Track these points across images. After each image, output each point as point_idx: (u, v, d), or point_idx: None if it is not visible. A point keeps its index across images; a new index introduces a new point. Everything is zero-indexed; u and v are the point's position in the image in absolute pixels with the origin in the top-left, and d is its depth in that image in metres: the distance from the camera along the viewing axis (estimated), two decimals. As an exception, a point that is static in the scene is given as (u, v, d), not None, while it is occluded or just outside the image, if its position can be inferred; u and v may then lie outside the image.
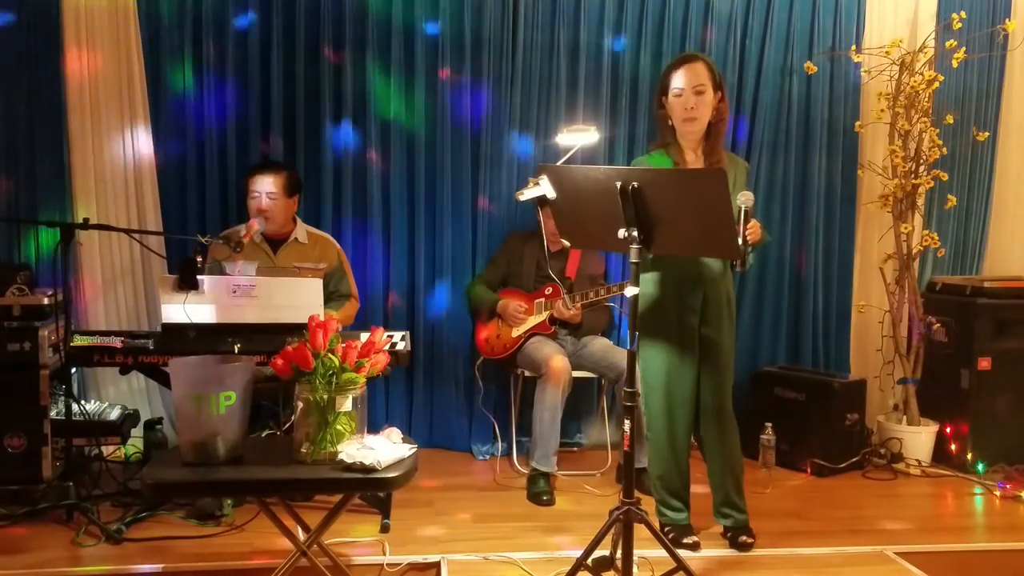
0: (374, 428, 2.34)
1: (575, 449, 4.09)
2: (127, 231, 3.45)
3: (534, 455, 3.44)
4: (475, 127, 3.98)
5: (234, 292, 2.91)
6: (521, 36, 3.95)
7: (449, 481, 3.58)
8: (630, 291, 2.38)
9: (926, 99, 3.92)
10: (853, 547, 2.92)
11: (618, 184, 2.29)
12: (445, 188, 3.96)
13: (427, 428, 4.03)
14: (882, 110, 4.01)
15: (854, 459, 3.81)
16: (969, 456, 3.86)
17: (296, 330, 2.60)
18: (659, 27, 4.06)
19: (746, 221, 2.57)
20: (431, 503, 3.29)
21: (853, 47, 4.12)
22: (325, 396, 2.16)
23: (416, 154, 3.96)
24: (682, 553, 2.63)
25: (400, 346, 3.03)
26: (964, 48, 3.93)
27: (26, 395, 3.01)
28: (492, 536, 2.96)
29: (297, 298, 2.91)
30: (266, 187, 3.39)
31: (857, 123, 4.14)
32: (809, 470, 3.76)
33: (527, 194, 3.26)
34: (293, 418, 2.25)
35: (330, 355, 2.17)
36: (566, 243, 3.48)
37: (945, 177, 3.96)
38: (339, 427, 2.19)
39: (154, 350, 2.92)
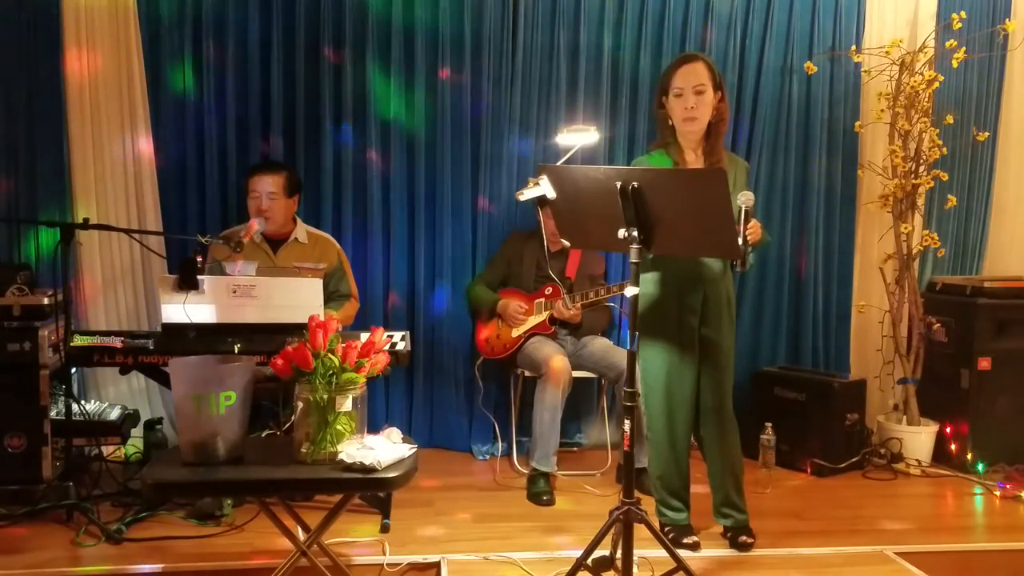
0: (374, 428, 2.34)
1: (575, 449, 4.09)
2: (127, 231, 3.45)
3: (534, 455, 3.44)
4: (475, 127, 3.98)
5: (234, 292, 2.91)
6: (521, 36, 3.95)
7: (449, 481, 3.58)
8: (630, 291, 2.38)
9: (926, 99, 3.92)
10: (853, 547, 2.92)
11: (618, 184, 2.29)
12: (445, 188, 3.96)
13: (427, 428, 4.03)
14: (882, 110, 4.02)
15: (854, 459, 3.81)
16: (969, 456, 3.86)
17: (296, 330, 2.60)
18: (659, 27, 4.06)
19: (746, 221, 2.57)
20: (431, 503, 3.29)
21: (853, 47, 4.13)
22: (325, 396, 2.16)
23: (416, 154, 3.96)
24: (682, 553, 2.63)
25: (400, 346, 3.03)
26: (964, 48, 3.94)
27: (26, 395, 3.01)
28: (492, 536, 2.96)
29: (297, 298, 2.91)
30: (266, 187, 3.39)
31: (857, 123, 4.14)
32: (809, 470, 3.76)
33: (527, 194, 3.27)
34: (293, 418, 2.25)
35: (330, 355, 2.17)
36: (566, 243, 3.48)
37: (945, 177, 3.96)
38: (339, 427, 2.19)
39: (154, 350, 2.92)
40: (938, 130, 3.94)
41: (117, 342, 2.95)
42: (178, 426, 2.34)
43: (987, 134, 4.20)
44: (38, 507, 2.97)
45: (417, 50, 3.90)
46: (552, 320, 3.66)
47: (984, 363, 3.87)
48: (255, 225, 3.28)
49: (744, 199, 2.58)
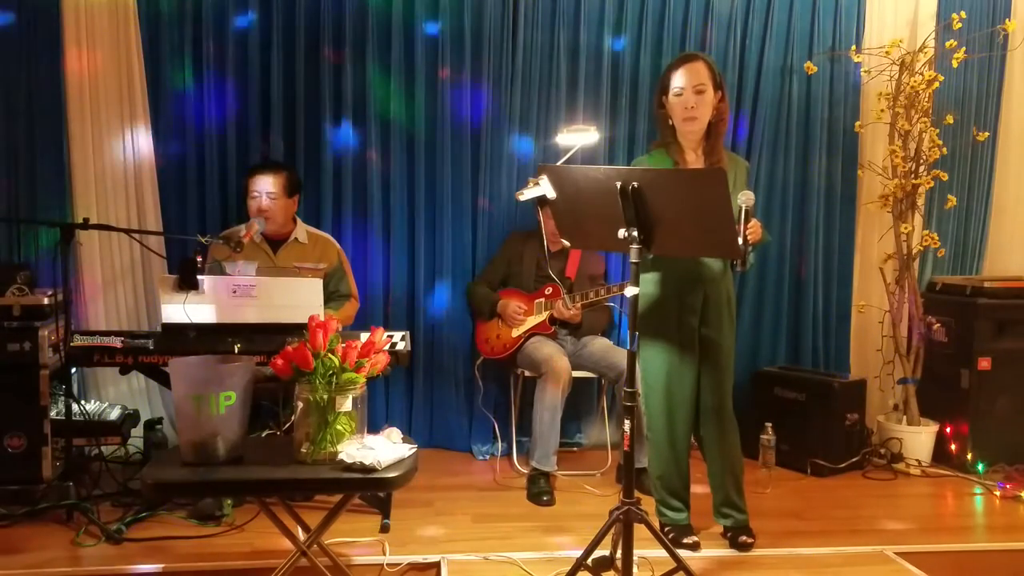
0: (374, 428, 2.34)
1: (575, 449, 4.09)
2: (127, 231, 3.45)
3: (534, 455, 3.44)
4: (475, 127, 3.98)
5: (234, 292, 2.91)
6: (521, 36, 3.95)
7: (449, 481, 3.58)
8: (630, 291, 2.38)
9: (926, 99, 3.92)
10: (853, 547, 2.92)
11: (618, 184, 2.29)
12: (445, 188, 3.96)
13: (427, 428, 4.03)
14: (882, 110, 4.02)
15: (854, 459, 3.81)
16: (969, 456, 3.86)
17: (296, 330, 2.60)
18: (659, 27, 4.06)
19: (746, 221, 2.57)
20: (431, 503, 3.29)
21: (853, 47, 4.13)
22: (325, 396, 2.16)
23: (416, 154, 3.96)
24: (682, 553, 2.63)
25: (400, 346, 3.03)
26: (964, 48, 3.94)
27: (26, 395, 3.01)
28: (492, 536, 2.96)
29: (297, 298, 2.91)
30: (266, 187, 3.39)
31: (857, 123, 4.14)
32: (809, 470, 3.76)
33: (527, 194, 3.27)
34: (293, 418, 2.25)
35: (330, 355, 2.17)
36: (566, 243, 3.48)
37: (945, 177, 3.96)
38: (339, 427, 2.19)
39: (154, 350, 2.92)
40: (938, 130, 3.94)
41: (117, 342, 2.95)
42: (178, 426, 2.34)
43: (987, 134, 4.20)
44: (38, 507, 2.97)
45: (417, 50, 3.89)
46: (552, 320, 3.66)
47: (984, 363, 3.87)
48: (255, 225, 3.28)
49: (744, 199, 2.58)
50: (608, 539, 2.46)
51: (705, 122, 2.78)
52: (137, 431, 3.52)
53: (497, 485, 3.60)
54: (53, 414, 3.08)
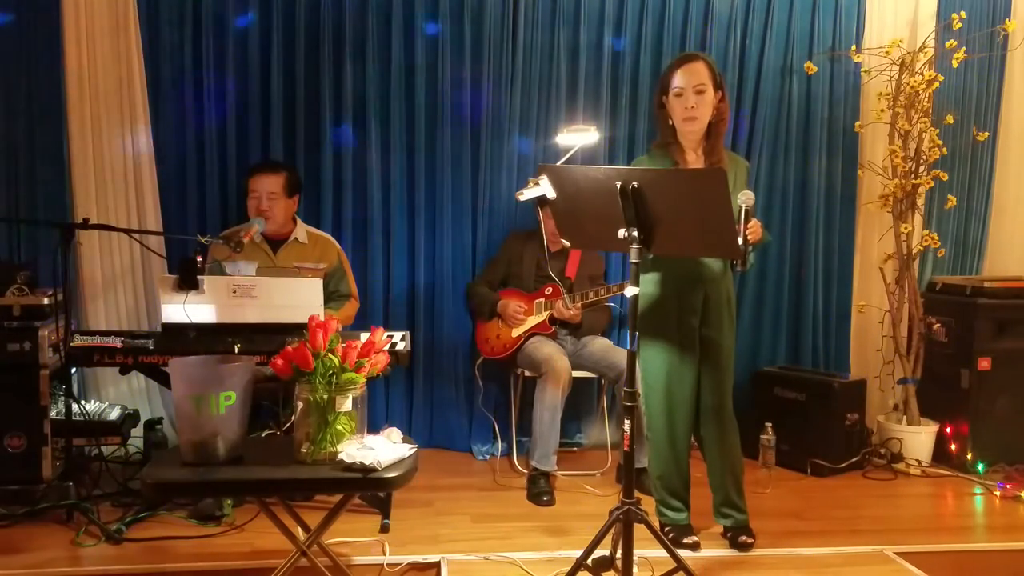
0: (374, 428, 2.34)
1: (575, 449, 4.09)
2: (127, 231, 3.45)
3: (534, 455, 3.44)
4: (475, 127, 3.97)
5: (234, 292, 2.91)
6: (521, 36, 3.95)
7: (449, 481, 3.58)
8: (630, 291, 2.38)
9: (926, 99, 3.92)
10: (853, 547, 2.92)
11: (618, 184, 2.29)
12: (445, 188, 3.96)
13: (427, 428, 4.03)
14: (882, 110, 4.02)
15: (854, 459, 3.81)
16: (969, 456, 3.86)
17: (296, 330, 2.60)
18: (659, 27, 4.06)
19: (746, 220, 2.57)
20: (431, 503, 3.29)
21: (853, 47, 4.13)
22: (325, 396, 2.16)
23: (416, 154, 3.96)
24: (682, 553, 2.63)
25: (400, 346, 3.03)
26: (964, 48, 3.94)
27: (26, 395, 3.01)
28: (492, 536, 2.96)
29: (297, 298, 2.91)
30: (266, 187, 3.39)
31: (857, 123, 4.14)
32: (809, 470, 3.76)
33: (527, 194, 3.26)
34: (293, 418, 2.25)
35: (330, 355, 2.16)
36: (566, 243, 3.48)
37: (945, 177, 3.96)
38: (339, 427, 2.18)
39: (154, 350, 2.91)
40: (938, 130, 3.94)
41: (117, 342, 2.95)
42: (178, 426, 2.34)
43: (987, 134, 4.20)
44: (38, 507, 2.97)
45: (417, 50, 3.89)
46: (552, 320, 3.66)
47: (984, 363, 3.87)
48: (255, 225, 3.28)
49: (744, 198, 2.58)
50: (608, 539, 2.46)
51: (705, 122, 2.78)
52: (137, 431, 3.52)
53: (497, 485, 3.59)
54: (53, 414, 3.08)
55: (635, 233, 2.33)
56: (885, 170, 4.05)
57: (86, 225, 3.02)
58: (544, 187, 2.54)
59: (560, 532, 3.02)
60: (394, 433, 2.31)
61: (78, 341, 2.95)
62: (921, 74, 3.90)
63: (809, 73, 4.09)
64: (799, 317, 4.28)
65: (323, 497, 3.03)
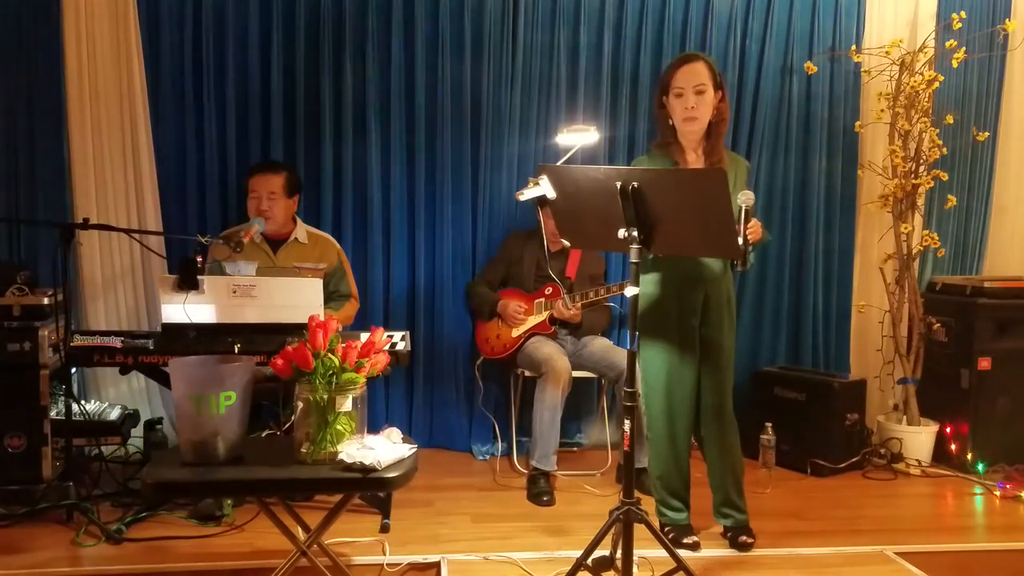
0: (374, 428, 2.34)
1: (575, 449, 4.09)
2: (127, 231, 3.45)
3: (534, 455, 3.44)
4: (475, 127, 3.97)
5: (234, 292, 2.91)
6: (521, 36, 3.95)
7: (449, 481, 3.58)
8: (630, 291, 2.38)
9: (926, 99, 3.92)
10: (853, 547, 2.92)
11: (618, 184, 2.29)
12: (445, 188, 3.96)
13: (427, 428, 4.03)
14: (882, 110, 4.02)
15: (854, 459, 3.81)
16: (969, 456, 3.86)
17: (296, 330, 2.60)
18: (659, 27, 4.06)
19: (747, 220, 2.57)
20: (431, 503, 3.29)
21: (853, 47, 4.13)
22: (325, 396, 2.16)
23: (416, 154, 3.96)
24: (682, 553, 2.63)
25: (400, 346, 3.03)
26: (964, 48, 3.94)
27: (26, 395, 3.01)
28: (492, 536, 2.96)
29: (297, 298, 2.91)
30: (266, 187, 3.39)
31: (857, 123, 4.15)
32: (809, 470, 3.76)
33: (527, 194, 3.26)
34: (293, 418, 2.25)
35: (330, 355, 2.16)
36: (566, 243, 3.48)
37: (945, 177, 3.96)
38: (339, 427, 2.18)
39: (154, 350, 2.91)
40: (938, 130, 3.94)
41: (117, 342, 2.95)
42: (178, 426, 2.34)
43: (987, 134, 4.21)
44: (38, 507, 2.97)
45: (417, 50, 3.89)
46: (552, 320, 3.66)
47: (984, 363, 3.87)
48: (255, 225, 3.28)
49: (744, 198, 2.57)
50: (608, 539, 2.46)
51: (705, 122, 2.78)
52: (137, 431, 3.52)
53: (497, 485, 3.59)
54: (53, 414, 3.08)
55: (635, 233, 2.33)
56: (885, 170, 4.05)
57: (86, 225, 3.02)
58: (544, 187, 2.54)
59: (560, 532, 3.02)
60: (394, 433, 2.31)
61: (78, 341, 2.95)
62: (921, 74, 3.90)
63: (809, 73, 4.09)
64: (799, 317, 4.28)
65: (323, 497, 3.03)
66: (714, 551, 2.86)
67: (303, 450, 2.19)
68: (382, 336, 2.31)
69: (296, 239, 3.50)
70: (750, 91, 4.14)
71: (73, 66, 3.62)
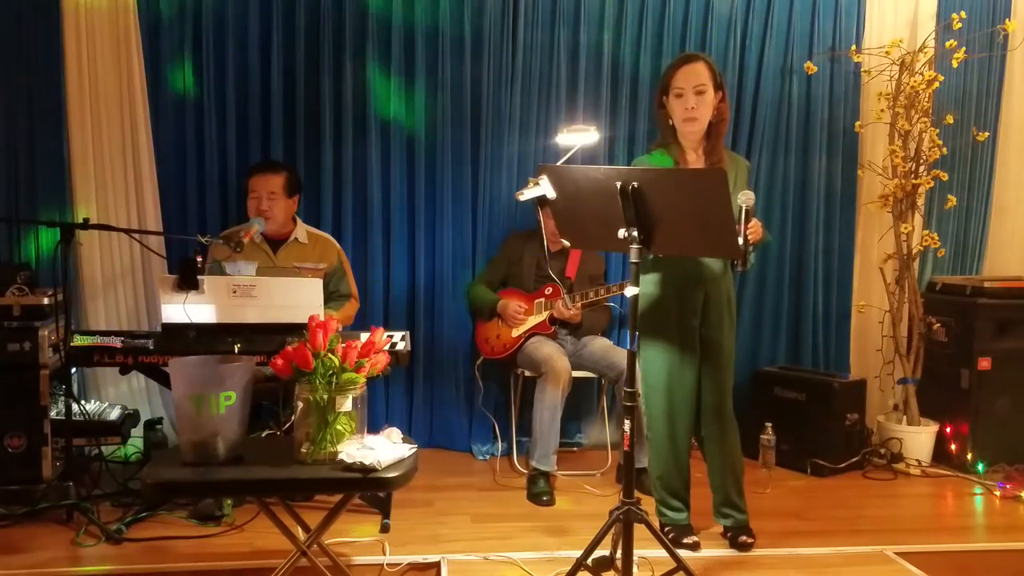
0: (374, 428, 2.34)
1: (575, 449, 4.09)
2: (127, 231, 3.46)
3: (534, 455, 3.44)
4: (475, 127, 3.97)
5: (234, 292, 2.91)
6: (521, 36, 3.95)
7: (449, 481, 3.58)
8: (630, 291, 2.38)
9: (926, 99, 3.92)
10: (853, 547, 2.92)
11: (618, 184, 2.29)
12: (445, 188, 3.96)
13: (427, 428, 4.03)
14: (882, 110, 4.02)
15: (854, 459, 3.81)
16: (969, 456, 3.86)
17: (296, 330, 2.60)
18: (659, 27, 4.06)
19: (747, 220, 2.57)
20: (431, 503, 3.29)
21: (853, 47, 4.13)
22: (325, 396, 2.16)
23: (416, 154, 3.96)
24: (682, 553, 2.63)
25: (400, 346, 3.03)
26: (964, 48, 3.94)
27: (26, 395, 3.01)
28: (492, 536, 2.96)
29: (297, 298, 2.91)
30: (266, 187, 3.39)
31: (857, 123, 4.14)
32: (809, 470, 3.76)
33: (527, 194, 3.27)
34: (293, 418, 2.25)
35: (330, 355, 2.16)
36: (566, 243, 3.48)
37: (945, 177, 3.96)
38: (339, 427, 2.18)
39: (154, 350, 2.92)
40: (938, 130, 3.94)
41: (117, 342, 2.95)
42: (178, 426, 2.34)
43: (987, 134, 4.21)
44: (38, 507, 2.97)
45: (417, 50, 3.89)
46: (552, 320, 3.66)
47: (984, 363, 3.87)
48: (255, 225, 3.28)
49: (744, 198, 2.57)
50: (608, 539, 2.46)
51: (705, 123, 2.78)
52: (137, 431, 3.53)
53: (497, 485, 3.59)
54: (53, 414, 3.08)
55: (635, 233, 2.33)
56: (885, 170, 4.05)
57: (86, 225, 3.02)
58: (544, 187, 2.54)
59: (560, 532, 3.02)
60: (394, 433, 2.31)
61: (78, 341, 2.95)
62: (921, 74, 3.90)
63: (809, 73, 4.09)
64: (799, 317, 4.28)
65: (323, 497, 3.03)
66: (714, 551, 2.86)
67: (303, 450, 2.19)
68: (382, 336, 2.31)
69: (296, 239, 3.50)
70: (750, 91, 4.14)
71: (73, 66, 3.62)
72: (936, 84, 3.89)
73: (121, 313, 3.74)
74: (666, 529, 2.91)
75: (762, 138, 4.16)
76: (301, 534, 2.41)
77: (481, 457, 3.94)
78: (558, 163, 3.63)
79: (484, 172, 3.99)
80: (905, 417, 4.00)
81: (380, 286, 3.95)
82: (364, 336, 2.26)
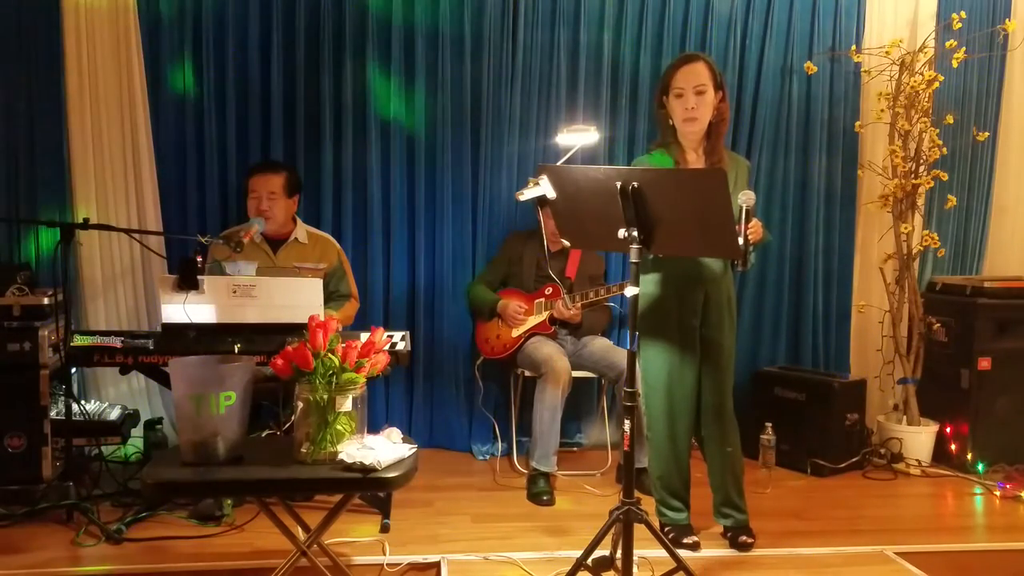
0: (374, 428, 2.34)
1: (575, 449, 4.09)
2: (127, 231, 3.46)
3: (534, 455, 3.44)
4: (475, 127, 3.98)
5: (234, 292, 2.91)
6: (521, 36, 3.95)
7: (449, 481, 3.58)
8: (630, 291, 2.38)
9: (926, 99, 3.92)
10: (853, 547, 2.92)
11: (618, 184, 2.29)
12: (445, 188, 3.96)
13: (427, 428, 4.03)
14: (882, 110, 4.02)
15: (854, 459, 3.81)
16: (969, 456, 3.86)
17: (296, 330, 2.60)
18: (659, 27, 4.06)
19: (747, 220, 2.56)
20: (431, 503, 3.29)
21: (853, 47, 4.13)
22: (325, 396, 2.16)
23: (416, 154, 3.96)
24: (682, 553, 2.63)
25: (400, 346, 3.03)
26: (964, 48, 3.94)
27: (26, 395, 3.01)
28: (492, 536, 2.96)
29: (297, 298, 2.91)
30: (266, 187, 3.39)
31: (857, 123, 4.14)
32: (809, 470, 3.76)
33: (527, 194, 3.27)
34: (293, 418, 2.25)
35: (330, 355, 2.16)
36: (566, 243, 3.48)
37: (945, 177, 3.96)
38: (339, 427, 2.18)
39: (154, 350, 2.91)
40: (938, 130, 3.94)
41: (117, 342, 2.95)
42: (178, 426, 2.34)
43: (987, 134, 4.21)
44: (38, 507, 2.97)
45: (417, 50, 3.89)
46: (552, 320, 3.66)
47: (984, 363, 3.87)
48: (255, 225, 3.28)
49: (745, 198, 2.57)
50: (608, 539, 2.45)
51: (705, 123, 2.78)
52: (137, 431, 3.53)
53: (497, 485, 3.59)
54: (53, 414, 3.08)
55: (635, 233, 2.33)
56: (885, 170, 4.05)
57: (86, 225, 3.02)
58: (544, 187, 2.54)
59: (560, 532, 3.02)
60: (394, 433, 2.31)
61: (78, 341, 2.95)
62: (921, 74, 3.90)
63: (809, 73, 4.09)
64: (799, 317, 4.28)
65: (323, 497, 3.03)
66: (714, 551, 2.86)
67: (303, 450, 2.19)
68: (382, 336, 2.31)
69: (296, 239, 3.50)
70: (750, 91, 4.14)
71: (73, 66, 3.62)
72: (936, 84, 3.89)
73: (121, 313, 3.74)
74: (666, 529, 2.91)
75: (762, 138, 4.16)
76: (301, 534, 2.41)
77: (481, 457, 3.94)
78: (558, 163, 3.63)
79: (484, 172, 3.99)
80: (905, 417, 4.00)
81: (380, 286, 3.95)
82: (364, 336, 2.26)
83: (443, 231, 3.97)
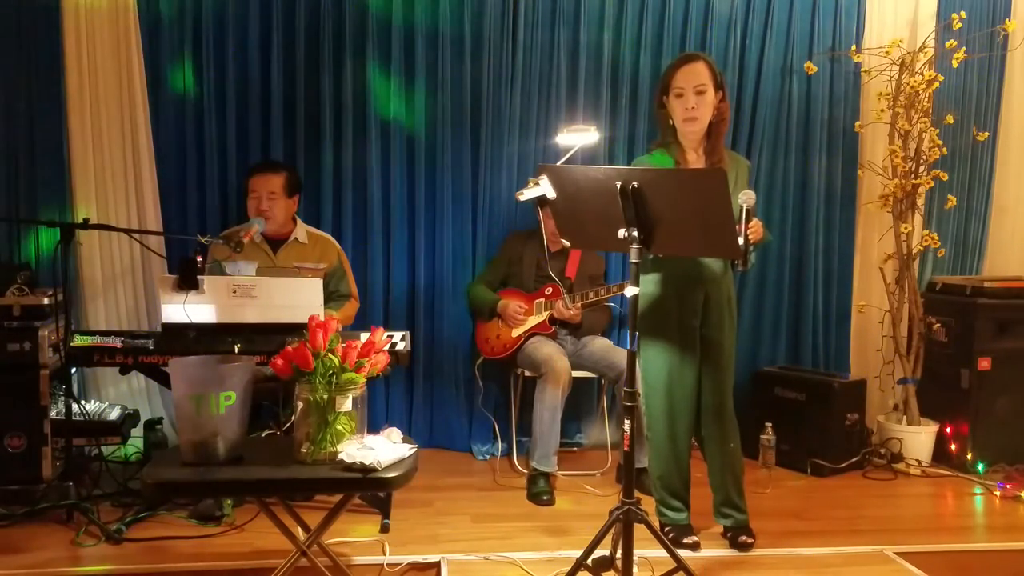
0: (374, 428, 2.34)
1: (575, 449, 4.09)
2: (127, 231, 3.46)
3: (534, 455, 3.44)
4: (475, 127, 3.98)
5: (234, 292, 2.91)
6: (521, 36, 3.95)
7: (449, 481, 3.58)
8: (630, 291, 2.38)
9: (926, 99, 3.92)
10: (853, 547, 2.92)
11: (618, 184, 2.29)
12: (445, 188, 3.96)
13: (427, 428, 4.03)
14: (882, 110, 4.02)
15: (854, 459, 3.81)
16: (969, 456, 3.86)
17: (296, 330, 2.60)
18: (659, 27, 4.06)
19: (747, 220, 2.56)
20: (431, 503, 3.29)
21: (853, 47, 4.13)
22: (325, 396, 2.16)
23: (416, 154, 3.96)
24: (682, 553, 2.63)
25: (400, 346, 3.03)
26: (964, 48, 3.94)
27: (26, 395, 3.01)
28: (492, 536, 2.96)
29: (297, 298, 2.91)
30: (266, 187, 3.39)
31: (857, 123, 4.14)
32: (809, 470, 3.76)
33: (527, 194, 3.27)
34: (293, 418, 2.25)
35: (330, 355, 2.17)
36: (566, 243, 3.48)
37: (945, 177, 3.96)
38: (339, 427, 2.19)
39: (154, 350, 2.91)
40: (938, 130, 3.94)
41: (117, 342, 2.95)
42: (178, 426, 2.34)
43: (987, 134, 4.21)
44: (38, 507, 2.97)
45: (417, 50, 3.89)
46: (552, 320, 3.66)
47: (984, 363, 3.87)
48: (255, 225, 3.28)
49: (745, 198, 2.57)
50: (608, 539, 2.45)
51: (706, 123, 2.78)
52: (137, 431, 3.53)
53: (497, 485, 3.59)
54: (53, 414, 3.08)
55: (635, 233, 2.33)
56: (885, 170, 4.05)
57: (86, 225, 3.02)
58: (544, 187, 2.54)
59: (560, 532, 3.02)
60: (394, 433, 2.31)
61: (78, 341, 2.95)
62: (921, 74, 3.90)
63: (809, 73, 4.09)
64: (799, 317, 4.28)
65: (323, 497, 3.03)
66: (714, 551, 2.86)
67: (303, 450, 2.19)
68: (382, 336, 2.31)
69: (296, 239, 3.50)
70: (750, 91, 4.14)
71: (73, 66, 3.62)
72: (936, 84, 3.89)
73: (121, 313, 3.74)
74: (666, 529, 2.91)
75: (762, 138, 4.16)
76: (301, 534, 2.41)
77: (481, 457, 3.94)
78: (558, 163, 3.63)
79: (484, 172, 3.99)
80: (905, 417, 4.00)
81: (380, 286, 3.95)
82: (364, 336, 2.26)
83: (443, 231, 3.97)
